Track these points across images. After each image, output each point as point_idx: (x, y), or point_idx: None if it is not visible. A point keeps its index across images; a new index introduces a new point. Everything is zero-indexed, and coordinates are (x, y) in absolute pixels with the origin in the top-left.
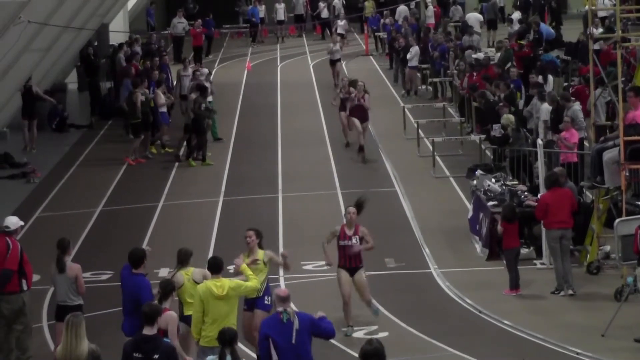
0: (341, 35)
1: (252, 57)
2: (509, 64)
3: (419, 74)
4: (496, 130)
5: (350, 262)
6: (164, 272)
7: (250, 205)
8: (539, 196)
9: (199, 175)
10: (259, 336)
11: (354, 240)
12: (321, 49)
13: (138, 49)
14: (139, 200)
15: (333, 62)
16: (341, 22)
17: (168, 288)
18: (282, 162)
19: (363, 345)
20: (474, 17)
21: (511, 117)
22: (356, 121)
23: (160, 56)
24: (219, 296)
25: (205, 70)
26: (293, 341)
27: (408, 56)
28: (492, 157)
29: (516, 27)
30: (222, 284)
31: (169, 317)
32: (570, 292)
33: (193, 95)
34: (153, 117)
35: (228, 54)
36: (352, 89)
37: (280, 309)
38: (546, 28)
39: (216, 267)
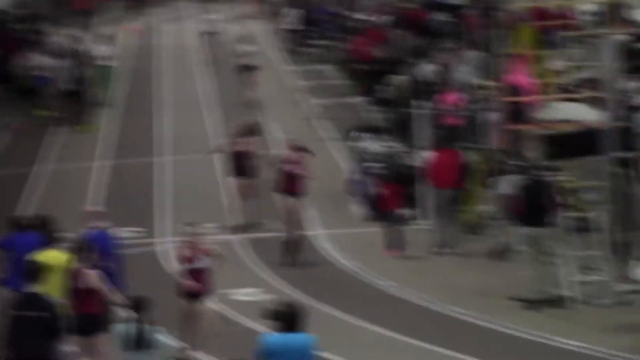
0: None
1: (138, 22)
2: (397, 28)
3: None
4: (384, 92)
5: (195, 287)
6: None
7: (137, 169)
8: (422, 157)
9: (85, 140)
10: None
11: (201, 263)
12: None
13: (20, 13)
14: (25, 165)
15: (245, 68)
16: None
17: (83, 249)
18: (169, 126)
19: (281, 308)
20: None
21: (402, 78)
22: (288, 201)
23: (43, 21)
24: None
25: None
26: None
27: (288, 20)
28: (377, 119)
29: None
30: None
31: (91, 275)
32: (455, 250)
33: (68, 61)
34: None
35: (116, 18)
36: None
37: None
38: None
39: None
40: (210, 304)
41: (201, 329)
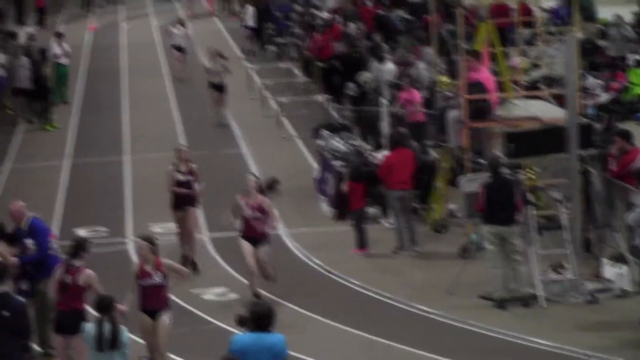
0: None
1: (95, 19)
2: (354, 24)
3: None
4: (352, 89)
5: (150, 304)
6: None
7: (97, 168)
8: (380, 157)
9: (45, 139)
10: None
11: (156, 279)
12: (164, 9)
13: None
14: None
15: (215, 87)
16: None
17: (79, 245)
18: (129, 124)
19: (252, 308)
20: None
21: (368, 74)
22: (247, 248)
23: (2, 18)
24: None
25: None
26: None
27: (246, 17)
28: (342, 117)
29: None
30: None
31: (92, 277)
32: (417, 249)
33: (24, 59)
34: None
35: (71, 15)
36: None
37: None
38: None
39: None
40: (165, 320)
41: (158, 344)
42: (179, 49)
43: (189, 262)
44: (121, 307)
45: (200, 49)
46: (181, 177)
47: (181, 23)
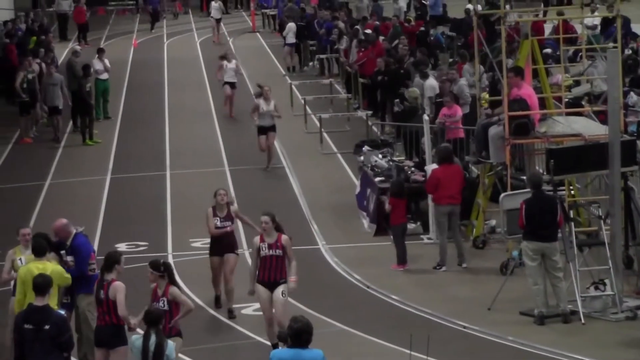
0: (217, 20)
1: (138, 35)
2: (396, 41)
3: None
4: (397, 105)
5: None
6: None
7: (138, 182)
8: (426, 171)
9: (86, 154)
10: None
11: (161, 304)
12: (207, 26)
13: (23, 27)
14: (26, 179)
15: (264, 130)
16: (215, 3)
17: (112, 259)
18: (170, 139)
19: (290, 324)
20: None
21: (417, 90)
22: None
23: (45, 34)
24: None
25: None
26: None
27: (284, 33)
28: (383, 133)
29: (402, 3)
30: (45, 267)
31: (118, 287)
32: (465, 265)
33: (57, 76)
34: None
35: (114, 31)
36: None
37: None
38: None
39: (40, 250)
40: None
41: None
42: (231, 85)
43: (219, 304)
44: (132, 320)
45: (246, 69)
46: (218, 223)
47: (232, 56)
